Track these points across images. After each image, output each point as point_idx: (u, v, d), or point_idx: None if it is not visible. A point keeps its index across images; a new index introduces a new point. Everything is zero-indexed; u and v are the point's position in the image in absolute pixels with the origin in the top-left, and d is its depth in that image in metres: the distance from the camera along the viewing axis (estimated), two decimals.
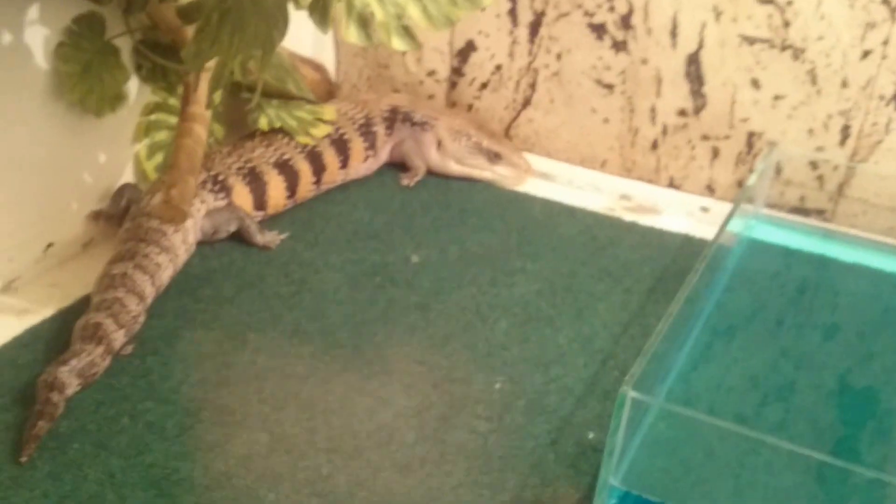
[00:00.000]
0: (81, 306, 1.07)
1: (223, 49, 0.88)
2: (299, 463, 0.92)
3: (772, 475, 0.93)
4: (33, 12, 1.11)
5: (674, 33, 1.39)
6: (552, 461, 0.95)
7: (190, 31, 1.03)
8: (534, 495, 0.90)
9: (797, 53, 1.33)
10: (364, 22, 0.87)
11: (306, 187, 1.35)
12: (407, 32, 0.87)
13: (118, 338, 1.01)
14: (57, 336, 1.06)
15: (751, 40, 1.35)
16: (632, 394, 0.84)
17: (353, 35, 0.86)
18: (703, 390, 1.08)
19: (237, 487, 0.89)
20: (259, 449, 0.93)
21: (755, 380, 1.10)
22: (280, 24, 0.89)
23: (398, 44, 0.87)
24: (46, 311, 1.11)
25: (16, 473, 0.88)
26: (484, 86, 1.56)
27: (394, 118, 1.46)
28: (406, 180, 1.45)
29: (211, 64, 0.95)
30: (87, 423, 0.95)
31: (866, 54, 1.30)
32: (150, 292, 1.09)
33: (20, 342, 1.05)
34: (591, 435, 0.97)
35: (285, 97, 1.35)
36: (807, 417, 1.03)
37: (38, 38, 1.12)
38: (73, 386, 0.95)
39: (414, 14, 0.89)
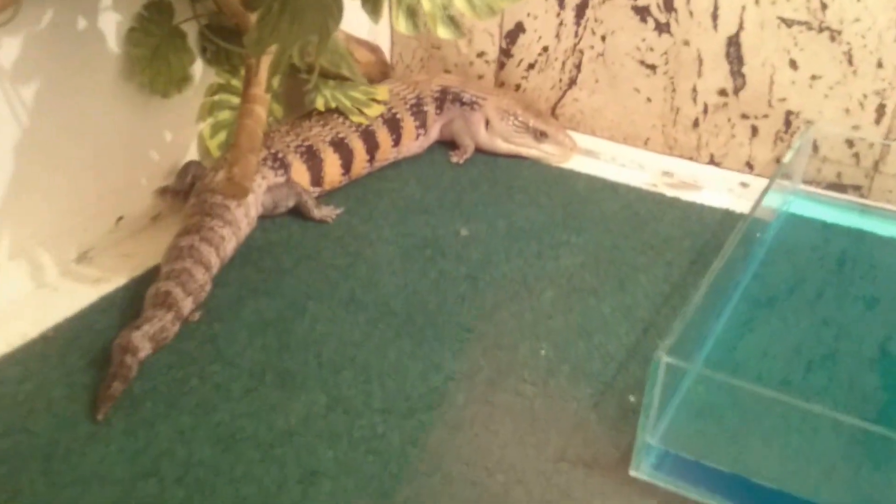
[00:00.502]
0: (151, 275, 1.10)
1: (282, 36, 0.90)
2: (356, 422, 0.94)
3: (802, 437, 0.94)
4: (106, 0, 1.13)
5: (715, 16, 1.39)
6: (594, 422, 0.96)
7: (253, 17, 1.06)
8: (576, 454, 0.92)
9: (834, 35, 1.33)
10: (412, 12, 0.89)
11: (360, 164, 1.37)
12: (452, 22, 0.89)
13: (186, 305, 1.03)
14: (129, 303, 1.09)
15: (789, 22, 1.35)
16: (665, 359, 0.86)
17: (401, 25, 0.88)
18: (741, 358, 1.08)
19: (298, 445, 0.91)
20: (318, 409, 0.95)
21: (793, 349, 1.10)
22: (335, 13, 0.91)
23: (443, 32, 0.89)
24: (119, 280, 1.14)
25: (93, 430, 0.91)
26: (531, 66, 1.57)
27: (444, 98, 1.47)
28: (455, 158, 1.47)
29: (271, 49, 0.97)
30: (159, 384, 0.97)
31: None
32: (215, 263, 1.11)
33: (96, 309, 1.08)
34: (631, 398, 0.99)
35: (341, 78, 1.35)
36: (846, 386, 1.03)
37: (111, 24, 1.15)
38: (145, 349, 0.98)
39: (459, 4, 0.90)
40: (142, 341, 0.98)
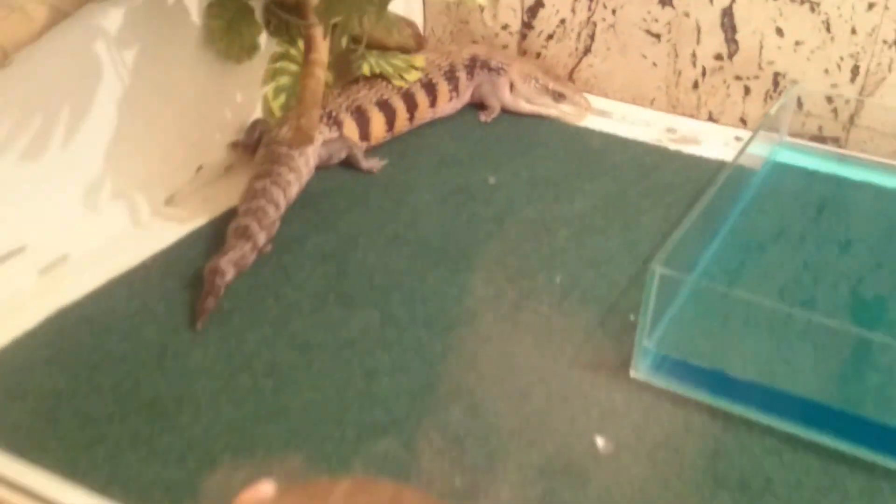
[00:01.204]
0: (229, 216, 1.15)
1: (346, 7, 0.97)
2: (404, 334, 1.01)
3: (781, 340, 1.00)
4: None
5: None
6: (600, 336, 1.02)
7: None
8: (585, 360, 0.99)
9: (813, 6, 1.38)
10: None
11: (402, 122, 1.42)
12: None
13: (261, 237, 1.11)
14: (212, 238, 1.16)
15: None
16: (660, 270, 0.92)
17: None
18: (726, 283, 1.12)
19: (359, 350, 0.99)
20: (373, 323, 1.03)
21: (776, 282, 1.13)
22: None
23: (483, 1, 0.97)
24: (201, 220, 1.20)
25: (193, 337, 1.00)
26: (550, 37, 1.61)
27: (473, 65, 1.51)
28: (484, 117, 1.51)
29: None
30: (242, 302, 1.05)
31: (871, 6, 1.35)
32: (283, 203, 1.17)
33: (184, 243, 1.16)
34: (632, 317, 1.04)
35: (383, 48, 1.40)
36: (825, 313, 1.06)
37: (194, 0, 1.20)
38: (230, 273, 1.05)
39: None
40: (227, 266, 1.05)
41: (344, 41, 1.08)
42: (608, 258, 1.17)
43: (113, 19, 1.11)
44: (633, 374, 0.98)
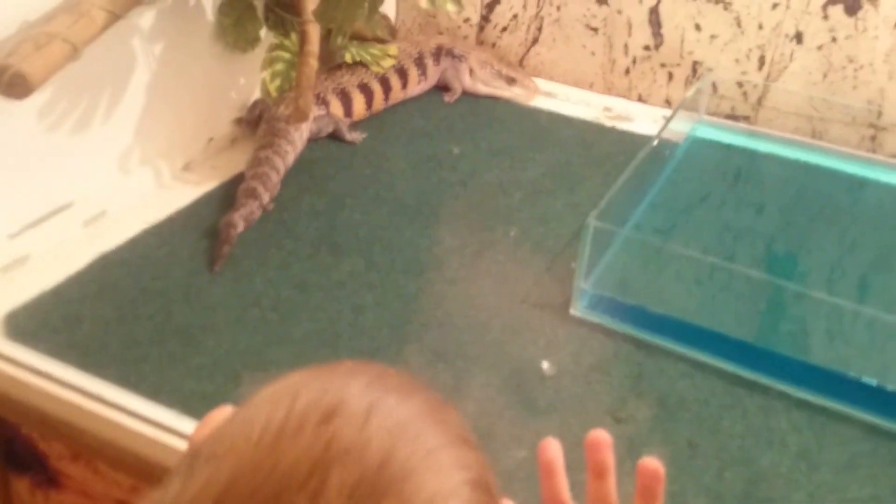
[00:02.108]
0: (236, 181, 1.20)
1: (342, 10, 1.03)
2: (385, 278, 1.07)
3: (696, 284, 1.06)
4: None
5: None
6: (548, 280, 1.08)
7: None
8: (534, 300, 1.04)
9: (727, 6, 1.43)
10: None
11: (378, 102, 1.45)
12: (457, 1, 1.04)
13: (265, 198, 1.15)
14: (223, 199, 1.20)
15: None
16: (594, 223, 0.98)
17: (423, 3, 1.02)
18: (654, 233, 1.18)
19: (348, 290, 1.05)
20: (359, 269, 1.08)
21: (699, 240, 1.18)
22: None
23: (450, 7, 1.02)
24: (213, 184, 1.24)
25: (212, 278, 1.06)
26: (504, 29, 1.63)
27: (439, 53, 1.54)
28: (448, 98, 1.54)
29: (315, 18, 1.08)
30: (251, 250, 1.10)
31: (775, 6, 1.40)
32: (282, 169, 1.21)
33: (201, 202, 1.20)
34: (573, 265, 1.06)
35: (362, 39, 1.44)
36: (745, 280, 1.07)
37: (209, 1, 1.25)
38: (241, 226, 1.10)
39: None
40: (238, 220, 1.10)
41: (339, 39, 1.13)
42: (555, 216, 1.21)
43: (147, 18, 1.16)
44: (572, 311, 1.03)
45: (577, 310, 1.03)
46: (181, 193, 1.22)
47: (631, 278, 1.09)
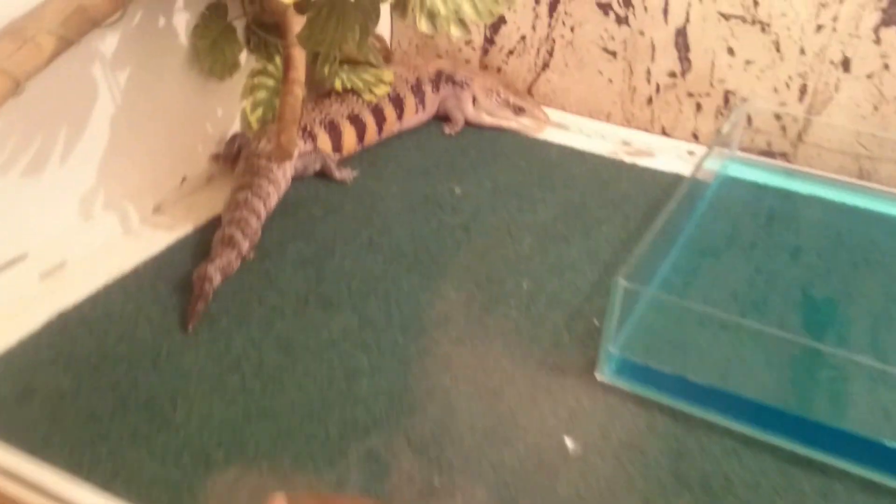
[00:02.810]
0: (212, 223, 1.17)
1: (329, 35, 0.99)
2: (382, 337, 1.03)
3: (732, 347, 1.02)
4: (179, 2, 1.20)
5: (665, 11, 1.46)
6: (567, 339, 1.04)
7: (292, 14, 1.13)
8: (553, 363, 1.00)
9: (764, 27, 1.40)
10: (432, 16, 0.97)
11: (371, 135, 1.43)
12: (462, 24, 0.97)
13: (245, 246, 1.12)
14: (198, 245, 1.16)
15: (727, 17, 1.42)
16: (623, 283, 0.93)
17: (423, 26, 0.96)
18: (684, 290, 1.14)
19: (340, 352, 1.00)
20: (352, 326, 1.04)
21: (730, 288, 1.15)
22: (373, 16, 1.00)
23: (455, 32, 0.96)
24: (187, 228, 1.21)
25: (185, 339, 1.01)
26: (511, 52, 1.62)
27: (439, 79, 1.53)
28: (448, 129, 1.53)
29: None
30: (230, 306, 1.06)
31: (820, 28, 1.37)
32: (264, 213, 1.18)
33: (172, 249, 1.16)
34: (595, 321, 1.06)
35: (353, 63, 1.41)
36: (778, 324, 1.07)
37: (182, 22, 1.21)
38: (217, 279, 1.06)
39: (467, 10, 0.98)
40: (215, 272, 1.06)
41: (326, 69, 1.09)
42: (571, 265, 1.18)
43: (108, 42, 1.12)
44: (598, 376, 0.99)
45: (604, 375, 0.99)
46: (151, 240, 1.19)
47: (665, 340, 1.06)
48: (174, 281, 1.11)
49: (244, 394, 0.95)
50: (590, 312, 1.09)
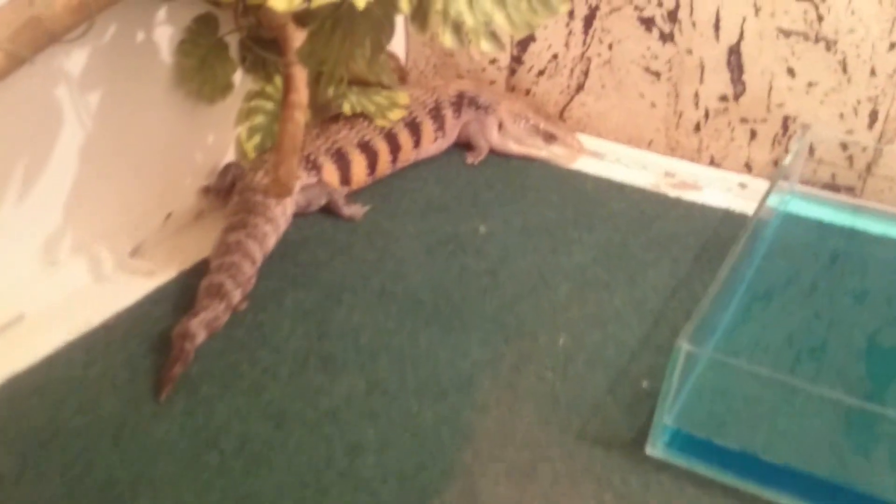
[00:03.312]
0: (199, 268, 1.13)
1: (334, 51, 0.92)
2: (392, 403, 0.97)
3: (805, 418, 0.96)
4: (161, 14, 1.17)
5: (716, 26, 1.41)
6: (610, 405, 0.98)
7: (292, 28, 1.09)
8: (595, 434, 0.94)
9: (829, 45, 1.34)
10: (457, 29, 0.90)
11: (384, 165, 1.39)
12: (493, 37, 0.90)
13: (236, 295, 1.07)
14: (181, 294, 1.11)
15: (787, 33, 1.36)
16: (686, 347, 0.88)
17: (448, 40, 0.88)
18: (744, 346, 1.09)
19: (342, 423, 0.94)
20: (358, 391, 0.99)
21: (792, 338, 1.10)
22: (387, 30, 0.93)
23: (486, 46, 0.88)
24: (170, 273, 1.16)
25: (156, 409, 0.95)
26: (541, 73, 1.58)
27: (460, 102, 1.48)
28: (471, 159, 1.48)
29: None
30: (213, 368, 1.00)
31: (893, 46, 1.31)
32: (259, 257, 1.14)
33: (150, 299, 1.11)
34: (644, 384, 1.01)
35: (364, 84, 1.37)
36: (838, 373, 1.04)
37: (164, 37, 1.18)
38: (201, 336, 1.01)
39: (499, 21, 0.91)
40: (198, 328, 1.01)
41: (331, 91, 1.02)
42: (614, 317, 1.14)
43: (76, 61, 1.09)
44: (649, 451, 0.94)
45: (657, 450, 0.94)
46: (126, 288, 1.14)
47: (728, 408, 1.00)
48: (150, 338, 1.06)
49: (222, 476, 0.89)
50: (637, 373, 1.04)
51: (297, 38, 1.07)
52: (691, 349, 0.89)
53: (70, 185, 1.13)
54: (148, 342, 1.05)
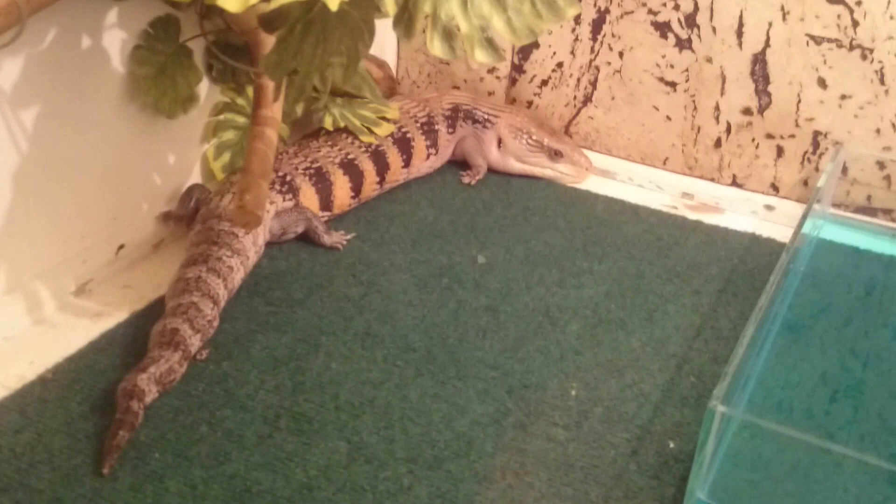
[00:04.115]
0: (155, 308, 1.08)
1: (305, 60, 0.86)
2: (379, 474, 0.91)
3: (860, 490, 0.92)
4: (111, 16, 1.12)
5: (739, 32, 1.38)
6: (634, 472, 0.93)
7: (267, 36, 1.01)
8: (617, 500, 0.89)
9: (865, 53, 1.32)
10: (449, 35, 0.85)
11: (370, 187, 1.35)
12: (490, 45, 0.85)
13: (194, 343, 1.01)
14: (132, 339, 1.06)
15: (818, 40, 1.34)
16: (720, 409, 0.84)
17: (437, 48, 0.84)
18: (780, 393, 1.06)
19: (318, 500, 0.88)
20: (338, 458, 0.93)
21: (826, 377, 1.08)
22: (366, 36, 0.87)
23: (481, 56, 0.84)
24: (121, 314, 1.11)
25: (98, 485, 0.88)
26: (544, 83, 1.56)
27: (455, 116, 1.46)
28: (467, 178, 1.45)
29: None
30: (167, 431, 0.94)
31: None
32: (223, 295, 1.08)
33: (96, 347, 1.05)
34: (671, 444, 0.96)
35: (349, 96, 1.33)
36: (876, 415, 1.01)
37: (116, 42, 1.14)
38: (152, 393, 0.95)
39: (498, 26, 0.86)
40: (148, 385, 0.95)
41: (299, 108, 0.92)
42: (632, 362, 1.10)
43: (7, 71, 1.04)
44: None
45: None
46: (67, 334, 1.09)
47: (768, 479, 0.95)
48: (94, 394, 0.99)
49: None
50: (662, 431, 0.99)
51: (269, 43, 0.98)
52: (726, 411, 0.85)
53: (1, 215, 1.09)
54: (91, 400, 0.98)
